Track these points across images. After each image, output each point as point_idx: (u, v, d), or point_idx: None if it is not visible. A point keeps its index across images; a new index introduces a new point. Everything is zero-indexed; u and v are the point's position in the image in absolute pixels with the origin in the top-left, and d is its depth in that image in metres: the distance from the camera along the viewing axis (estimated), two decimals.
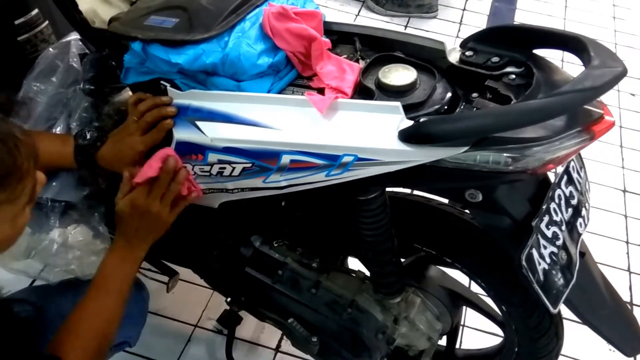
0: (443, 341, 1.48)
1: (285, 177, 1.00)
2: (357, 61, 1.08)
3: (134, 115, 1.06)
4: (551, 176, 1.03)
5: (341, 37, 1.14)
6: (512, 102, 0.94)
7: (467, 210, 1.17)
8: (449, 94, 0.99)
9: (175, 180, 1.02)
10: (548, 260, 0.97)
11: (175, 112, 1.03)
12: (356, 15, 3.07)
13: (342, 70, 1.04)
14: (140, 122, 1.05)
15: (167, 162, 1.01)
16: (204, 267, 1.44)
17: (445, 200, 1.19)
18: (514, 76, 0.98)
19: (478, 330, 1.80)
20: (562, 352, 1.26)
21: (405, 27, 3.03)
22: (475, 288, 1.35)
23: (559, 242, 0.99)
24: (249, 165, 1.01)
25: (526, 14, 3.20)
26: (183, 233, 1.21)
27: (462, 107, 0.98)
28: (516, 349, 1.28)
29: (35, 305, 1.14)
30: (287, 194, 1.05)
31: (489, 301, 1.32)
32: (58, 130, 1.17)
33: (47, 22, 1.29)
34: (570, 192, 1.03)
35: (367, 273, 1.31)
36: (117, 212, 1.03)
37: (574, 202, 1.04)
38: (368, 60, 1.07)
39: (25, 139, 0.76)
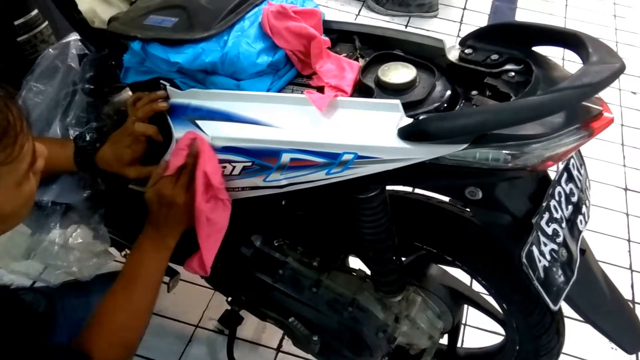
0: (445, 340, 1.48)
1: (286, 175, 1.00)
2: (356, 59, 1.08)
3: (133, 115, 1.06)
4: (551, 174, 1.03)
5: (340, 36, 1.14)
6: (511, 99, 0.94)
7: (467, 208, 1.17)
8: (449, 92, 0.99)
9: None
10: (548, 257, 0.97)
11: (166, 107, 1.03)
12: (356, 15, 3.07)
13: (341, 69, 1.04)
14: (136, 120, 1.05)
15: (191, 146, 1.00)
16: None
17: (446, 198, 1.19)
18: (513, 73, 0.98)
19: (479, 329, 1.80)
20: (564, 350, 1.26)
21: (406, 26, 3.02)
22: (477, 286, 1.35)
23: (559, 240, 0.99)
24: (249, 164, 1.01)
25: (527, 13, 3.20)
26: (183, 232, 1.21)
27: (461, 104, 0.98)
28: (517, 347, 1.28)
29: (45, 295, 1.13)
30: (287, 193, 1.05)
31: (490, 299, 1.32)
32: (55, 130, 1.17)
33: (46, 22, 1.29)
34: (571, 189, 1.03)
35: (368, 272, 1.31)
36: (146, 202, 1.02)
37: (574, 199, 1.04)
38: (367, 59, 1.07)
39: (13, 101, 0.76)
